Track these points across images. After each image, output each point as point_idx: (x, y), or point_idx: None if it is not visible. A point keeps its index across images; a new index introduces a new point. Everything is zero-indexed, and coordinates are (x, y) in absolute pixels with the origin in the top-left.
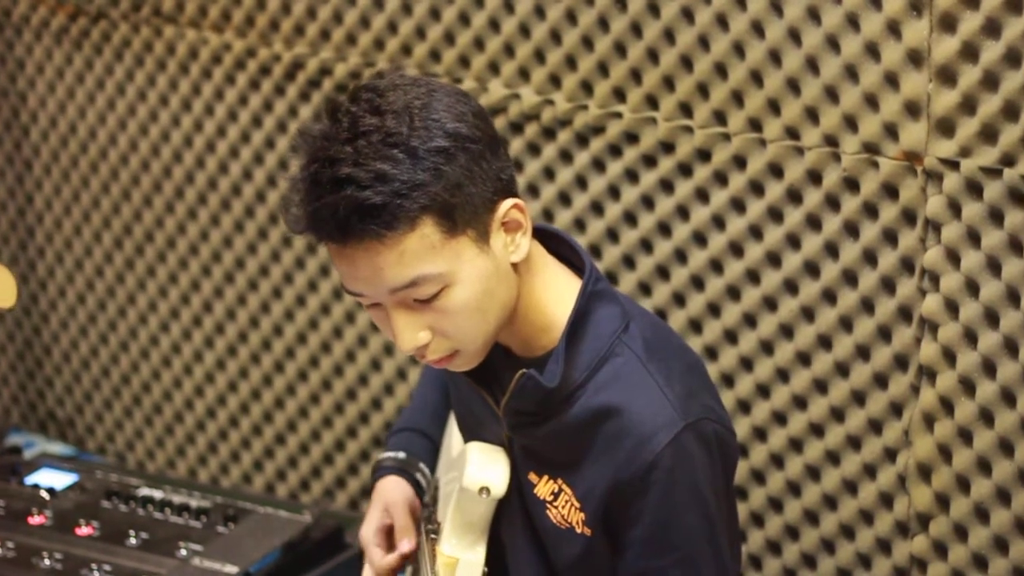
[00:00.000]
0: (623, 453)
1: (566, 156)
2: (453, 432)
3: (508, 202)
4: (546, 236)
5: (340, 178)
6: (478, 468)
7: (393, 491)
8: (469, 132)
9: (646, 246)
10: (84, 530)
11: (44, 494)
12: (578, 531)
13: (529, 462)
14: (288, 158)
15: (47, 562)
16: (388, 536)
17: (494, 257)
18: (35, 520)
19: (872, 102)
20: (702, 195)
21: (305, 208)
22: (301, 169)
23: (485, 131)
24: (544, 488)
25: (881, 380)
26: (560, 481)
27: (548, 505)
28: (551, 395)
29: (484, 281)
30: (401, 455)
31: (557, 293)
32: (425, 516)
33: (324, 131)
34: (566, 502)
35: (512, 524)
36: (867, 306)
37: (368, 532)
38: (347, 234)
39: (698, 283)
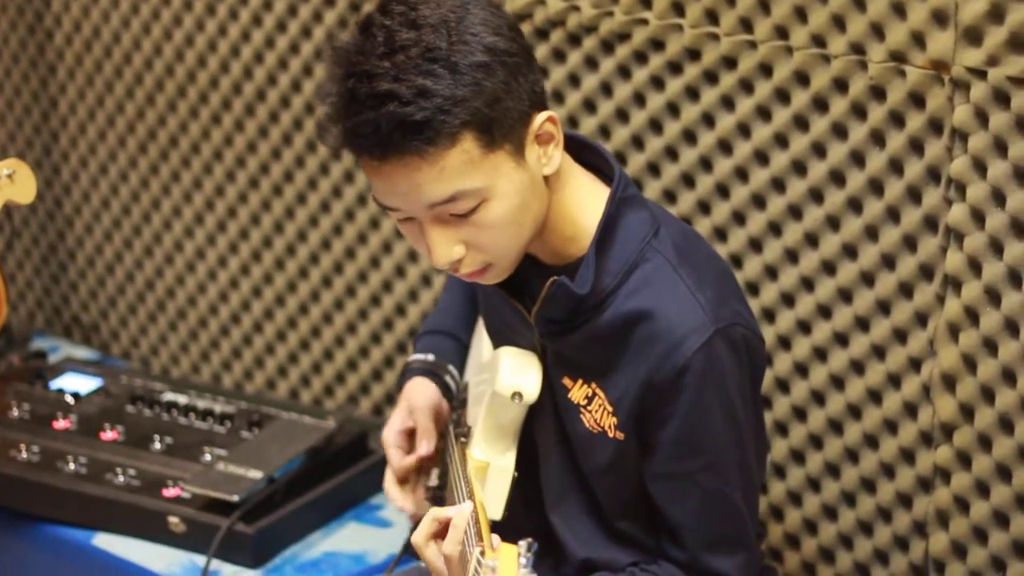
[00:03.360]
0: (655, 357)
1: (591, 63)
2: (483, 335)
3: (542, 115)
4: (573, 144)
5: (380, 93)
6: (511, 373)
7: (419, 394)
8: (506, 46)
9: (671, 154)
10: (109, 434)
11: (69, 398)
12: (610, 435)
13: (562, 367)
14: (312, 64)
15: (72, 466)
16: (410, 438)
17: (529, 170)
18: (60, 424)
19: (899, 10)
20: (728, 103)
21: (343, 124)
22: (335, 83)
23: (520, 44)
24: (578, 392)
25: (906, 289)
26: (594, 385)
27: (582, 410)
28: (582, 302)
29: (520, 195)
30: (430, 357)
31: (586, 201)
32: (454, 419)
33: (357, 45)
34: (599, 406)
35: (544, 428)
36: (893, 215)
37: (389, 434)
38: (387, 150)
39: (723, 191)
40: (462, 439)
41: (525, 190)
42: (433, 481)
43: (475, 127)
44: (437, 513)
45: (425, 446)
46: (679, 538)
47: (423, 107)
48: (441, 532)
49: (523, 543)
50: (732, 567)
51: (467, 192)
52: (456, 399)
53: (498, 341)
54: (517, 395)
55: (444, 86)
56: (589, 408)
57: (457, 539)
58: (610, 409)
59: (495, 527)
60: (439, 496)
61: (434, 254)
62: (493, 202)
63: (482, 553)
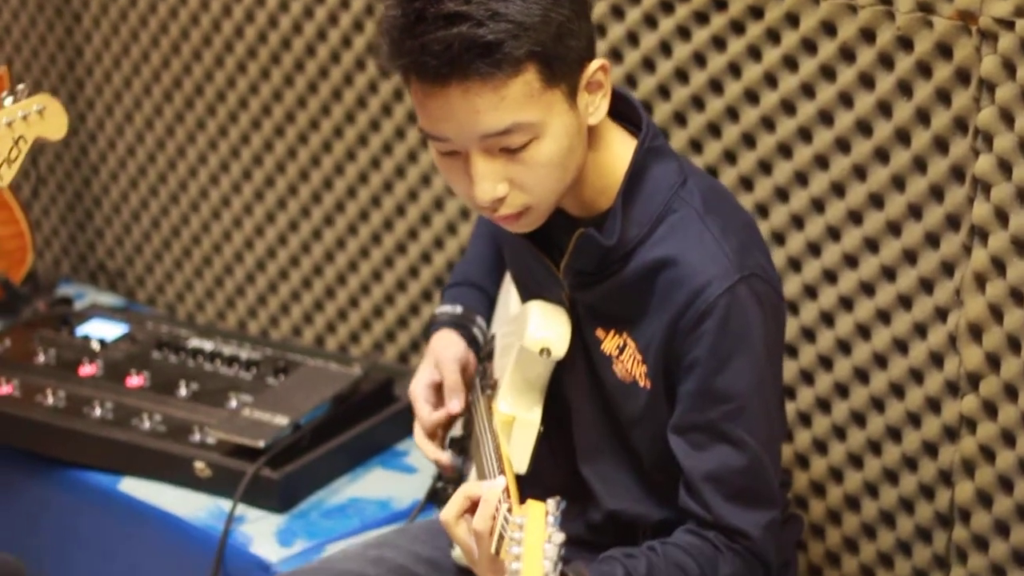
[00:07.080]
0: (678, 302)
1: (618, 12)
2: (511, 287)
3: (596, 62)
4: None
5: (450, 14)
6: (539, 328)
7: (446, 348)
8: None
9: (697, 103)
10: (135, 380)
11: (95, 345)
12: (641, 384)
13: (594, 319)
14: (337, 13)
15: (98, 412)
16: (437, 392)
17: (578, 116)
18: (86, 370)
19: None
20: (754, 53)
21: (409, 43)
22: (399, 6)
23: None
24: (610, 343)
25: (933, 239)
26: (625, 335)
27: (615, 360)
28: (610, 252)
29: (569, 137)
30: (458, 309)
31: (616, 152)
32: (480, 371)
33: None
34: (630, 356)
35: (577, 383)
36: (919, 165)
37: (417, 387)
38: (453, 70)
39: (749, 141)
40: (488, 391)
41: (573, 134)
42: (457, 431)
43: (539, 60)
44: (468, 490)
45: (456, 403)
46: (701, 495)
47: (494, 29)
48: (472, 509)
49: (551, 501)
50: (754, 525)
51: (523, 125)
52: (483, 351)
53: (526, 295)
54: (545, 351)
55: (515, 11)
56: (621, 358)
57: (488, 514)
58: (639, 357)
59: (519, 481)
60: (463, 447)
61: (477, 188)
62: (544, 140)
63: (509, 510)
